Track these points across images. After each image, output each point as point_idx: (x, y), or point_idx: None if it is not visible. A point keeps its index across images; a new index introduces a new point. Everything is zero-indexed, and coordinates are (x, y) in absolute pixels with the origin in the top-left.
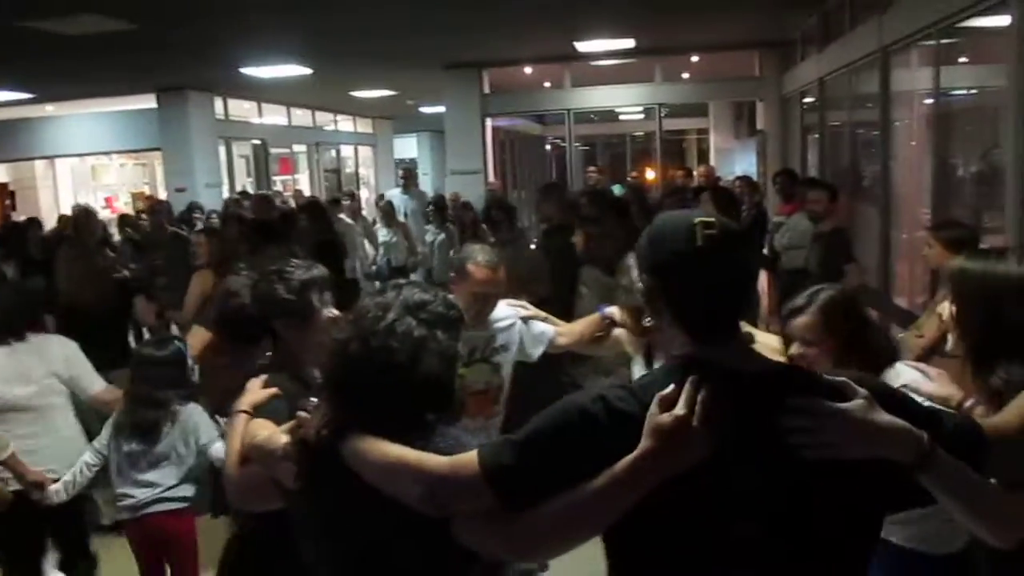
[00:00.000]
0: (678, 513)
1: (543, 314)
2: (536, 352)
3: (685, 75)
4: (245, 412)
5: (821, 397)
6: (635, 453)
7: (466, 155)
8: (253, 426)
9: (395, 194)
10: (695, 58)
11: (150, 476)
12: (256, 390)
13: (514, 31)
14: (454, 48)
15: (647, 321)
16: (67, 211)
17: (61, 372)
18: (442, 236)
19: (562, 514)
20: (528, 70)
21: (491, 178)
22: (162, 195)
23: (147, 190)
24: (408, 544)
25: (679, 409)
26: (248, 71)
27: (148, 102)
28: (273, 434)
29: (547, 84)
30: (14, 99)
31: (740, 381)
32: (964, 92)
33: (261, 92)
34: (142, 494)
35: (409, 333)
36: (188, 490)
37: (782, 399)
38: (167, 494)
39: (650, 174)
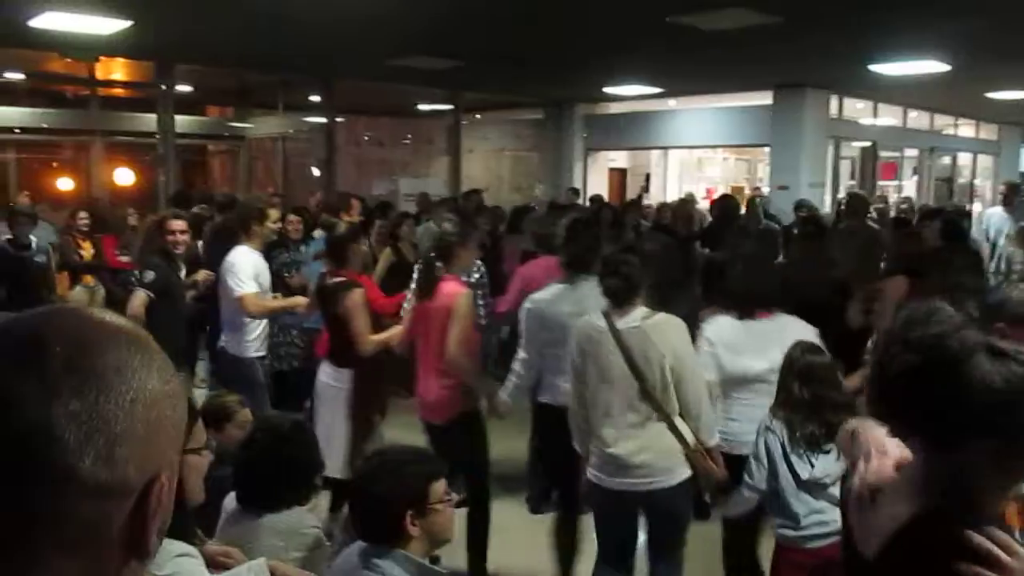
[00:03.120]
0: None
1: None
2: None
3: None
4: None
5: None
6: None
7: None
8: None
9: (996, 212)
10: None
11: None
12: None
13: None
14: None
15: None
16: (671, 199)
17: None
18: None
19: None
20: None
21: None
22: (764, 190)
23: (745, 185)
24: None
25: None
26: (876, 68)
27: (762, 99)
28: None
29: None
30: (645, 93)
31: None
32: None
33: (879, 92)
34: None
35: (961, 339)
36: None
37: None
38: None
39: None
